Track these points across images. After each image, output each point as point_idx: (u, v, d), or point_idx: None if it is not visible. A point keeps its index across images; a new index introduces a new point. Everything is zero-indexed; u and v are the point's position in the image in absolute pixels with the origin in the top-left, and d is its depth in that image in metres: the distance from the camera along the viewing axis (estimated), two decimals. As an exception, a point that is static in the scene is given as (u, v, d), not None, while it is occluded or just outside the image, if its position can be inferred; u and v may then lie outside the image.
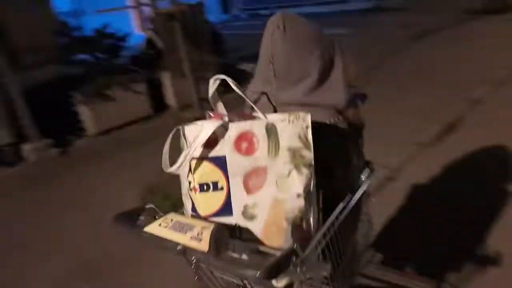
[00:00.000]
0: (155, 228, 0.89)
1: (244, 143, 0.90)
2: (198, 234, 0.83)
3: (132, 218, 0.99)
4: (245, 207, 0.91)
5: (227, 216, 0.92)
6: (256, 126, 0.90)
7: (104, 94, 4.87)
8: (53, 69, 5.01)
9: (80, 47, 5.18)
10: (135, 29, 11.87)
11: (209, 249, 0.79)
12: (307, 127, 0.90)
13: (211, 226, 0.84)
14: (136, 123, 5.16)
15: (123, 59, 5.95)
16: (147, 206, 1.01)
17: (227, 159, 0.90)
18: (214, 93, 1.04)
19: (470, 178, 2.99)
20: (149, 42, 6.33)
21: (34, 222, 3.28)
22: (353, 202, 1.12)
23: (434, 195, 2.82)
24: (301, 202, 0.91)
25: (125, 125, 5.05)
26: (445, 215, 2.60)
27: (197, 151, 0.89)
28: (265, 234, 0.91)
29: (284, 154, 0.90)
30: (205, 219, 0.93)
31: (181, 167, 0.89)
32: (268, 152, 0.90)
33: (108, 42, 5.38)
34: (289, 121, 0.90)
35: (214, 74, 1.03)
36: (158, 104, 5.50)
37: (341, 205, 1.07)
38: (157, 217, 0.94)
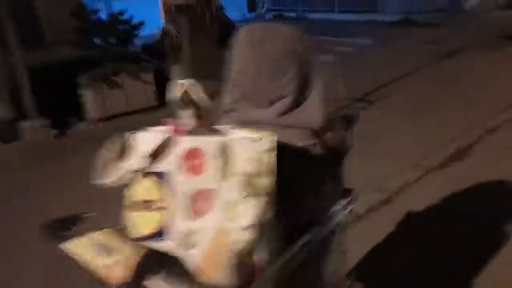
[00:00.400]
0: (77, 245, 0.78)
1: (193, 161, 0.78)
2: (115, 262, 0.72)
3: (65, 227, 0.89)
4: (185, 233, 0.79)
5: (162, 241, 0.80)
6: (208, 144, 0.78)
7: (110, 80, 4.82)
8: (67, 50, 4.97)
9: (94, 31, 5.14)
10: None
11: (125, 282, 0.68)
12: (270, 150, 0.78)
13: (136, 254, 0.73)
14: (140, 112, 5.09)
15: (136, 48, 5.90)
16: (86, 215, 0.91)
17: (171, 177, 0.79)
18: (175, 98, 0.92)
19: (472, 205, 2.83)
20: (165, 33, 6.27)
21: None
22: (322, 234, 1.00)
23: (430, 222, 2.67)
24: (249, 235, 0.78)
25: (128, 114, 4.98)
26: (440, 243, 2.45)
27: (139, 163, 0.77)
28: (203, 267, 0.79)
29: (236, 179, 0.78)
30: (136, 241, 0.81)
31: (117, 180, 0.78)
32: (218, 175, 0.78)
33: (122, 28, 5.32)
34: (248, 141, 0.77)
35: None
36: (164, 95, 5.36)
37: (305, 238, 0.95)
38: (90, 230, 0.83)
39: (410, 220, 2.66)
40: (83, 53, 4.87)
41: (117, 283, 0.70)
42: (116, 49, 5.19)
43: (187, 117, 0.93)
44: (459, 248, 2.42)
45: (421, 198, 2.88)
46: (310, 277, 1.08)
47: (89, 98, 4.80)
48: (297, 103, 0.93)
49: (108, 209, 0.91)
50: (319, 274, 1.12)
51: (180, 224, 0.79)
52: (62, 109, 4.58)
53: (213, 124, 0.90)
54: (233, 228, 0.79)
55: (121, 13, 5.48)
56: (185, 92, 0.86)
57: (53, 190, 3.34)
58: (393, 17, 12.54)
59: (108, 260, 0.73)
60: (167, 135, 0.76)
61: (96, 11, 5.52)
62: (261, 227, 0.80)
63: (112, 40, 5.26)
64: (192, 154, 0.78)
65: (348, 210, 1.18)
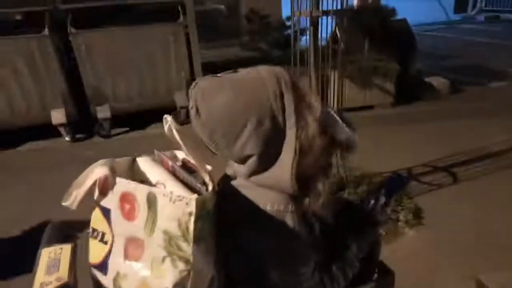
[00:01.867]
0: (46, 252, 0.87)
1: (127, 205, 0.76)
2: (46, 283, 0.77)
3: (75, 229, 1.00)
4: (117, 274, 0.79)
5: (104, 274, 0.82)
6: (139, 191, 0.74)
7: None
8: (236, 51, 5.44)
9: (261, 34, 5.46)
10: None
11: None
12: (190, 214, 0.69)
13: (61, 281, 0.76)
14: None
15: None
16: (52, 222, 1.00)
17: (111, 214, 0.79)
18: (169, 131, 0.90)
19: None
20: (334, 39, 6.14)
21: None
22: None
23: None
24: (169, 299, 0.72)
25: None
26: None
27: (83, 194, 0.80)
28: (125, 315, 0.77)
29: (159, 236, 0.72)
30: (90, 266, 0.85)
31: (73, 205, 0.83)
32: (145, 226, 0.74)
33: (287, 33, 5.48)
34: (170, 199, 0.70)
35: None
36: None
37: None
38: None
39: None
40: (248, 54, 5.28)
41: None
42: (277, 52, 5.41)
43: (170, 154, 0.92)
44: None
45: None
46: None
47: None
48: (265, 163, 0.77)
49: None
50: None
51: (114, 262, 0.79)
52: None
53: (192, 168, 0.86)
54: (155, 286, 0.74)
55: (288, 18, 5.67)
56: (169, 128, 0.84)
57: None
58: None
59: (48, 278, 0.79)
60: (103, 172, 0.76)
61: (267, 16, 5.78)
62: (183, 295, 0.73)
63: (273, 43, 5.45)
64: (126, 198, 0.75)
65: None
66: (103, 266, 0.81)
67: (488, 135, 3.89)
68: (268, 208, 0.79)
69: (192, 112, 0.79)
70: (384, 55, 4.90)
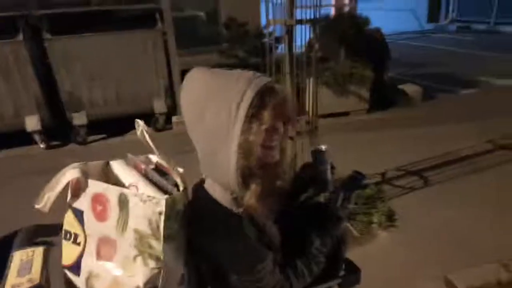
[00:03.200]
0: (18, 255, 0.88)
1: (99, 206, 0.78)
2: (17, 285, 0.78)
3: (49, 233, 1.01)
4: (90, 273, 0.80)
5: (76, 275, 0.83)
6: (111, 192, 0.77)
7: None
8: (214, 57, 5.47)
9: (237, 42, 5.50)
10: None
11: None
12: (160, 213, 0.72)
13: (33, 283, 0.78)
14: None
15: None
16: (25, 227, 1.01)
17: (84, 216, 0.81)
18: (141, 136, 0.92)
19: None
20: (310, 47, 6.27)
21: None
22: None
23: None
24: (140, 297, 0.74)
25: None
26: None
27: (54, 196, 0.82)
28: (98, 314, 0.79)
29: (130, 235, 0.75)
30: (63, 268, 0.86)
31: (45, 207, 0.84)
32: (117, 225, 0.76)
33: (264, 41, 5.52)
34: (141, 199, 0.73)
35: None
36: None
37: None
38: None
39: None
40: (226, 61, 5.34)
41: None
42: (254, 59, 5.46)
43: (144, 159, 0.94)
44: None
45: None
46: None
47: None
48: (211, 154, 0.80)
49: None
50: None
51: (87, 262, 0.81)
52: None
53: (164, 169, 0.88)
54: (127, 285, 0.76)
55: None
56: (141, 132, 0.87)
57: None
58: None
59: (20, 280, 0.80)
60: (75, 174, 0.78)
61: (245, 24, 5.82)
62: (155, 293, 0.75)
63: (251, 51, 5.51)
64: (98, 199, 0.78)
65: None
66: (76, 267, 0.82)
67: (457, 140, 4.04)
68: (221, 203, 0.83)
69: (182, 89, 0.84)
70: (359, 62, 5.04)
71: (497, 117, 4.65)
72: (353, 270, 1.04)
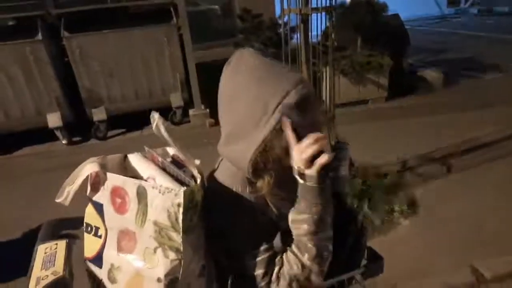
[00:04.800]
0: (42, 249, 0.90)
1: (118, 199, 0.78)
2: (43, 277, 0.79)
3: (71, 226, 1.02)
4: (112, 266, 0.81)
5: (98, 267, 0.84)
6: (129, 185, 0.77)
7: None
8: (230, 50, 5.44)
9: (251, 33, 5.46)
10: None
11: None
12: (178, 205, 0.72)
13: (57, 275, 0.79)
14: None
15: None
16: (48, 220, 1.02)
17: (104, 209, 0.81)
18: (157, 129, 0.92)
19: None
20: (326, 36, 6.16)
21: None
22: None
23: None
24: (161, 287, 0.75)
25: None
26: None
27: (75, 190, 0.83)
28: (120, 305, 0.80)
29: (150, 227, 0.75)
30: (85, 260, 0.88)
31: (66, 201, 0.85)
32: (136, 218, 0.76)
33: (279, 31, 5.48)
34: (159, 191, 0.73)
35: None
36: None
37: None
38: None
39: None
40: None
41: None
42: (270, 50, 5.42)
43: (161, 151, 0.94)
44: None
45: None
46: None
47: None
48: (238, 136, 0.80)
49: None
50: None
51: (108, 255, 0.82)
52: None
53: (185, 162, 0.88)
54: (148, 276, 0.76)
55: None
56: (156, 126, 0.87)
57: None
58: None
59: (44, 272, 0.82)
60: (94, 168, 0.79)
61: (260, 15, 5.76)
62: (175, 283, 0.75)
63: (266, 42, 5.47)
64: (117, 192, 0.78)
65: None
66: (98, 259, 0.83)
67: (481, 126, 3.93)
68: (234, 188, 0.83)
69: (225, 67, 0.84)
70: (377, 50, 4.93)
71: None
72: (376, 259, 1.02)
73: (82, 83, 4.58)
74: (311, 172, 0.76)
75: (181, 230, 0.72)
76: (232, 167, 0.85)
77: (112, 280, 0.80)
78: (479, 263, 2.17)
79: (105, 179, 0.79)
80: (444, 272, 2.18)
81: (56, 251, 0.87)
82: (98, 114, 4.63)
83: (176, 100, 4.89)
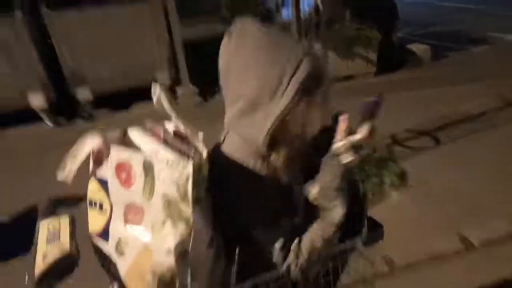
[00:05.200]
0: (44, 225, 0.89)
1: (123, 173, 0.77)
2: (49, 253, 0.79)
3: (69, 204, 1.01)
4: (119, 240, 0.81)
5: (105, 242, 0.84)
6: (135, 159, 0.75)
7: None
8: (218, 27, 5.34)
9: (238, 8, 5.36)
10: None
11: (40, 274, 0.74)
12: (187, 177, 0.71)
13: (63, 250, 0.78)
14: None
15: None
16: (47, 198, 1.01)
17: (109, 184, 0.80)
18: (158, 100, 0.90)
19: None
20: (316, 10, 6.10)
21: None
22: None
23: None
24: (170, 260, 0.75)
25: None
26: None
27: (77, 164, 0.81)
28: (129, 278, 0.80)
29: (158, 200, 0.74)
30: (90, 236, 0.87)
31: (68, 178, 0.84)
32: (143, 192, 0.76)
33: (267, 7, 5.38)
34: (167, 163, 0.72)
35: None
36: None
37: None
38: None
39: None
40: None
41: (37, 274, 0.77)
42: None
43: (163, 124, 0.92)
44: None
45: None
46: None
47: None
48: (252, 109, 0.79)
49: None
50: None
51: (115, 229, 0.81)
52: (208, 79, 5.09)
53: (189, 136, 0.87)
54: (157, 249, 0.76)
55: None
56: (158, 98, 0.85)
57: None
58: None
59: (50, 248, 0.81)
60: (96, 143, 0.77)
61: None
62: (185, 255, 0.75)
63: (253, 16, 5.34)
64: (122, 167, 0.77)
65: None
66: (104, 235, 0.83)
67: (470, 99, 3.98)
68: (243, 162, 0.82)
69: (226, 39, 0.81)
70: (365, 24, 4.90)
71: (509, 74, 4.54)
72: (376, 227, 1.04)
73: (65, 62, 4.45)
74: (349, 158, 0.81)
75: (190, 201, 0.71)
76: (241, 141, 0.84)
77: (120, 253, 0.80)
78: (467, 231, 2.25)
79: (109, 153, 0.78)
80: (433, 241, 2.26)
81: (59, 227, 0.86)
82: (83, 94, 4.53)
83: (163, 78, 4.81)
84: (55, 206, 1.01)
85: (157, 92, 0.83)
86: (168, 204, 0.73)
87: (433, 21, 7.94)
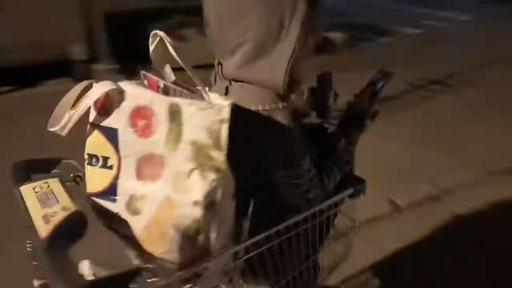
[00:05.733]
0: (28, 189, 0.77)
1: (141, 120, 0.70)
2: (51, 215, 0.68)
3: (41, 169, 0.88)
4: (131, 197, 0.74)
5: (111, 201, 0.76)
6: (158, 103, 0.69)
7: (176, 33, 4.86)
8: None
9: None
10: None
11: (45, 238, 0.64)
12: (222, 121, 0.67)
13: (69, 211, 0.69)
14: (203, 68, 5.10)
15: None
16: (64, 161, 0.88)
17: (119, 135, 0.72)
18: (155, 51, 0.83)
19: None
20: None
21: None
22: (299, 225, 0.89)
23: (473, 231, 2.37)
24: (197, 212, 0.71)
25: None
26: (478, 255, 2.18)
27: (90, 114, 0.72)
28: (146, 236, 0.74)
29: (186, 148, 0.69)
30: (90, 196, 0.78)
31: (65, 129, 0.73)
32: (167, 140, 0.70)
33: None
34: (198, 108, 0.68)
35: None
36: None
37: (274, 229, 0.85)
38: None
39: (456, 223, 2.39)
40: (157, 3, 4.93)
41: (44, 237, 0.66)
42: (185, 1, 5.14)
43: (162, 73, 0.86)
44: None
45: (477, 203, 2.55)
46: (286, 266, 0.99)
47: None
48: (259, 53, 0.79)
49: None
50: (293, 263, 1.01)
51: (126, 186, 0.74)
52: (131, 56, 4.77)
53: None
54: (181, 201, 0.71)
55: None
56: (155, 46, 0.78)
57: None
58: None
59: (49, 210, 0.70)
60: (110, 86, 0.69)
61: None
62: (213, 206, 0.72)
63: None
64: (140, 113, 0.70)
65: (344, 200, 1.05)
66: (109, 193, 0.75)
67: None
68: (260, 108, 0.81)
69: None
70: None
71: (411, 62, 5.17)
72: (360, 181, 1.12)
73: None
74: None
75: (224, 147, 0.68)
76: (253, 88, 0.82)
77: (134, 212, 0.73)
78: (395, 194, 2.54)
79: (123, 99, 0.70)
80: (366, 207, 2.48)
81: (51, 189, 0.75)
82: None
83: (77, 52, 4.36)
84: (28, 170, 0.86)
85: (157, 38, 0.77)
86: (198, 151, 0.69)
87: (343, 13, 8.55)
